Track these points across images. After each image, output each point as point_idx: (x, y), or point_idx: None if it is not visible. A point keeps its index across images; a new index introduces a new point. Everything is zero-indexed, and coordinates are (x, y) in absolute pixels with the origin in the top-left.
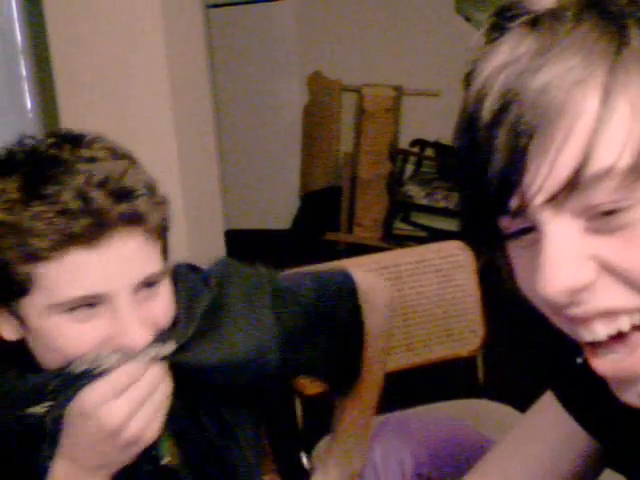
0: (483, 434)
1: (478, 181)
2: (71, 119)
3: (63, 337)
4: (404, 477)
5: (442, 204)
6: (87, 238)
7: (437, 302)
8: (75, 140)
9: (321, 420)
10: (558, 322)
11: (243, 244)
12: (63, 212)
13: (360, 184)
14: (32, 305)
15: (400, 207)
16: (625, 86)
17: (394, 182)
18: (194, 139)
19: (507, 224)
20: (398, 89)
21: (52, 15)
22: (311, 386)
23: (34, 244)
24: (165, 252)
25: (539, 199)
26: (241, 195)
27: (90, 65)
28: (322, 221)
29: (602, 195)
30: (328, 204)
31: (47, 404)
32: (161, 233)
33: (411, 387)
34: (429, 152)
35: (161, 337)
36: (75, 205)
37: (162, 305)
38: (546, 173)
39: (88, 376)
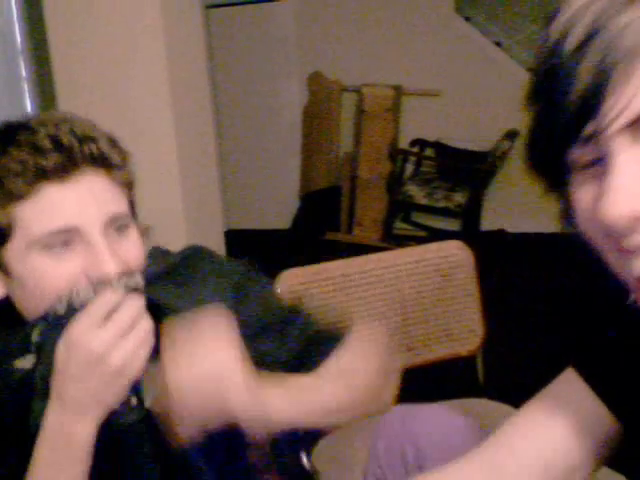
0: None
1: (555, 106)
2: None
3: (42, 275)
4: (406, 470)
5: (442, 204)
6: (58, 174)
7: (437, 302)
8: (46, 115)
9: None
10: (612, 257)
11: (243, 244)
12: (35, 150)
13: (360, 184)
14: (13, 250)
15: (400, 207)
16: None
17: (394, 182)
18: (194, 139)
19: (576, 155)
20: (398, 89)
21: (52, 16)
22: None
23: (11, 184)
24: (133, 207)
25: (616, 125)
26: (241, 195)
27: (90, 66)
28: (322, 221)
29: None
30: (328, 204)
31: (32, 356)
32: (126, 183)
33: (410, 386)
34: (429, 152)
35: (130, 272)
36: (46, 144)
37: (132, 248)
38: (627, 101)
39: (69, 313)
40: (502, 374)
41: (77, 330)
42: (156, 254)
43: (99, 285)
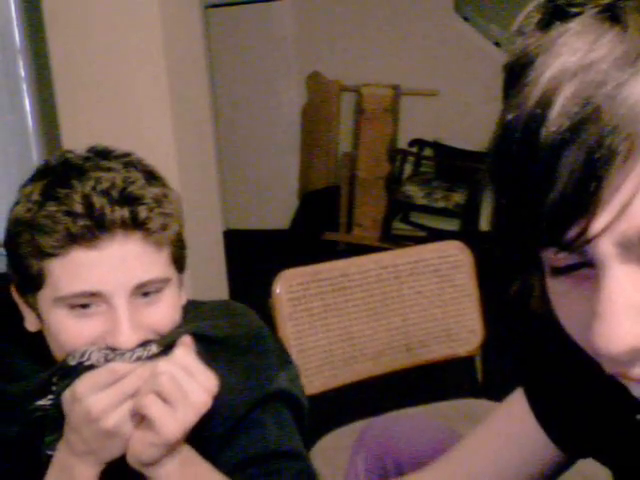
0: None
1: (529, 204)
2: (69, 120)
3: (63, 330)
4: None
5: (441, 204)
6: (87, 239)
7: (436, 302)
8: (103, 153)
9: (320, 420)
10: (616, 376)
11: (242, 244)
12: (68, 213)
13: (359, 184)
14: (43, 298)
15: (399, 207)
16: None
17: (393, 182)
18: (193, 139)
19: (554, 256)
20: (397, 89)
21: (51, 16)
22: (311, 386)
23: (43, 241)
24: (177, 262)
25: (606, 240)
26: (240, 195)
27: (88, 66)
28: (321, 221)
29: None
30: (327, 204)
31: (52, 397)
32: (167, 242)
33: (410, 387)
34: (428, 152)
35: (150, 341)
36: (79, 208)
37: (162, 312)
38: (620, 211)
39: (79, 369)
40: (501, 375)
41: (81, 387)
42: (217, 313)
43: (112, 354)
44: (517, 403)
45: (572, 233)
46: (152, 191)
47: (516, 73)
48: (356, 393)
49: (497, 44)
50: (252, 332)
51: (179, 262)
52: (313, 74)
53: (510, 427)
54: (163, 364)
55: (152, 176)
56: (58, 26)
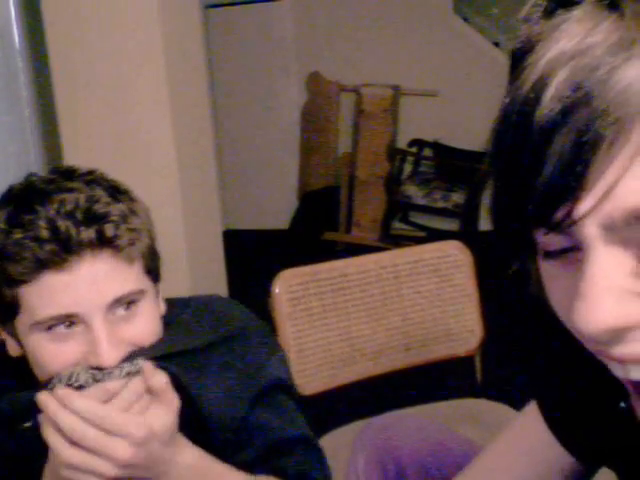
0: (466, 437)
1: (521, 185)
2: (69, 120)
3: (43, 354)
4: None
5: (440, 204)
6: (56, 262)
7: (435, 302)
8: (66, 174)
9: (319, 420)
10: (598, 355)
11: (242, 244)
12: (35, 239)
13: (358, 184)
14: (21, 324)
15: (398, 207)
16: None
17: (392, 182)
18: (192, 139)
19: (544, 239)
20: (396, 89)
21: (50, 16)
22: (310, 386)
23: (12, 269)
24: (151, 274)
25: (591, 222)
26: (240, 195)
27: (88, 66)
28: (320, 221)
29: None
30: (326, 204)
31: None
32: (138, 256)
33: (409, 387)
34: (427, 152)
35: (133, 355)
36: (45, 233)
37: (141, 325)
38: (604, 194)
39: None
40: (500, 374)
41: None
42: (212, 316)
43: (100, 373)
44: (531, 415)
45: (559, 214)
46: (118, 207)
47: (518, 59)
48: (355, 393)
49: (496, 44)
50: (236, 331)
51: (153, 273)
52: (313, 74)
53: (525, 440)
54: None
55: (117, 191)
56: (57, 26)
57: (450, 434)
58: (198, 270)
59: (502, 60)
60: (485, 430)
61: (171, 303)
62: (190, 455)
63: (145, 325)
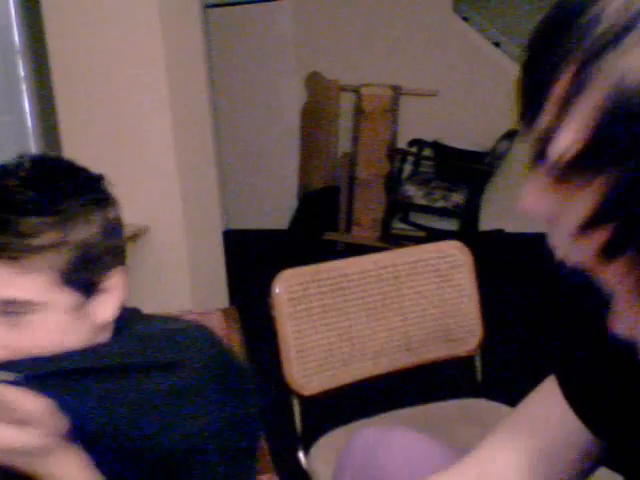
0: (455, 448)
1: (524, 79)
2: (69, 120)
3: None
4: None
5: (440, 204)
6: None
7: (435, 302)
8: (20, 166)
9: (319, 420)
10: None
11: (242, 244)
12: None
13: (358, 184)
14: None
15: (398, 207)
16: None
17: (392, 182)
18: (192, 139)
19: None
20: (396, 89)
21: (50, 16)
22: (309, 386)
23: None
24: (74, 284)
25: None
26: (240, 195)
27: (88, 65)
28: (320, 221)
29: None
30: (326, 204)
31: None
32: (42, 267)
33: (409, 387)
34: (427, 152)
35: (9, 364)
36: None
37: (30, 337)
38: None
39: None
40: (500, 375)
41: None
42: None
43: None
44: (547, 391)
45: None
46: (33, 219)
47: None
48: (355, 393)
49: (496, 44)
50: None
51: (80, 285)
52: (312, 74)
53: (541, 415)
54: None
55: (56, 199)
56: (57, 26)
57: (439, 448)
58: (198, 270)
59: (502, 60)
60: (485, 430)
61: (147, 318)
62: (74, 471)
63: (37, 337)
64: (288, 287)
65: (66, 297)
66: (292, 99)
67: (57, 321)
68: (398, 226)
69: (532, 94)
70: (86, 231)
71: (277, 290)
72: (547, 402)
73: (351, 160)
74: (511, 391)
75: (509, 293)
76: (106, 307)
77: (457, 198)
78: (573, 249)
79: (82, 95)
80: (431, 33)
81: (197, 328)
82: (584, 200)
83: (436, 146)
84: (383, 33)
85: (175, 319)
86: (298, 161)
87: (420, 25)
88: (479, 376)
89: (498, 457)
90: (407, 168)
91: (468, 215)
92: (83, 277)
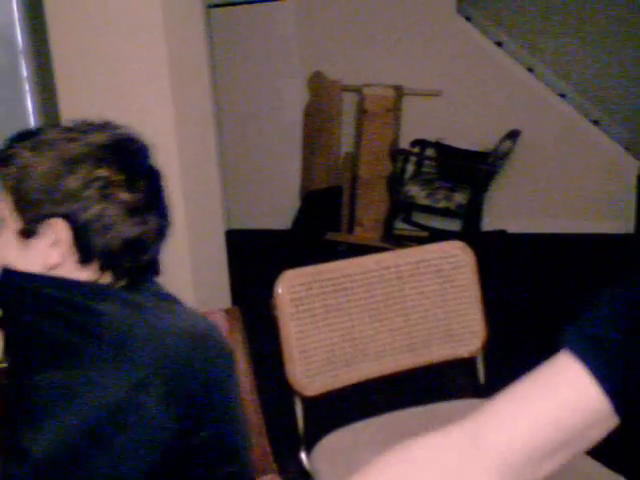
0: None
1: None
2: (72, 120)
3: None
4: None
5: (443, 204)
6: None
7: (438, 302)
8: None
9: (322, 420)
10: None
11: (244, 244)
12: None
13: (361, 184)
14: None
15: (401, 207)
16: None
17: (395, 182)
18: (195, 139)
19: None
20: (399, 89)
21: (53, 16)
22: (311, 387)
23: None
24: (20, 213)
25: None
26: (242, 195)
27: (91, 65)
28: (323, 221)
29: None
30: (329, 204)
31: None
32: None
33: (412, 387)
34: (430, 152)
35: None
36: None
37: None
38: None
39: None
40: (503, 375)
41: None
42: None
43: None
44: (565, 365)
45: None
46: (22, 156)
47: None
48: (358, 393)
49: (499, 44)
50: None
51: (22, 215)
52: (315, 74)
53: (561, 387)
54: None
55: (40, 146)
56: (60, 26)
57: None
58: (201, 270)
59: (505, 60)
60: None
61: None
62: None
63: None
64: (290, 287)
65: (16, 222)
66: (294, 99)
67: (9, 239)
68: (400, 226)
69: None
70: (44, 174)
71: (279, 290)
72: (559, 376)
73: (353, 160)
74: None
75: (512, 294)
76: (49, 252)
77: (460, 198)
78: None
79: (85, 95)
80: (434, 33)
81: (194, 342)
82: None
83: (439, 146)
84: (386, 33)
85: (201, 325)
86: (300, 161)
87: (423, 25)
88: (482, 377)
89: (503, 420)
90: (410, 168)
91: (471, 215)
92: (27, 208)
